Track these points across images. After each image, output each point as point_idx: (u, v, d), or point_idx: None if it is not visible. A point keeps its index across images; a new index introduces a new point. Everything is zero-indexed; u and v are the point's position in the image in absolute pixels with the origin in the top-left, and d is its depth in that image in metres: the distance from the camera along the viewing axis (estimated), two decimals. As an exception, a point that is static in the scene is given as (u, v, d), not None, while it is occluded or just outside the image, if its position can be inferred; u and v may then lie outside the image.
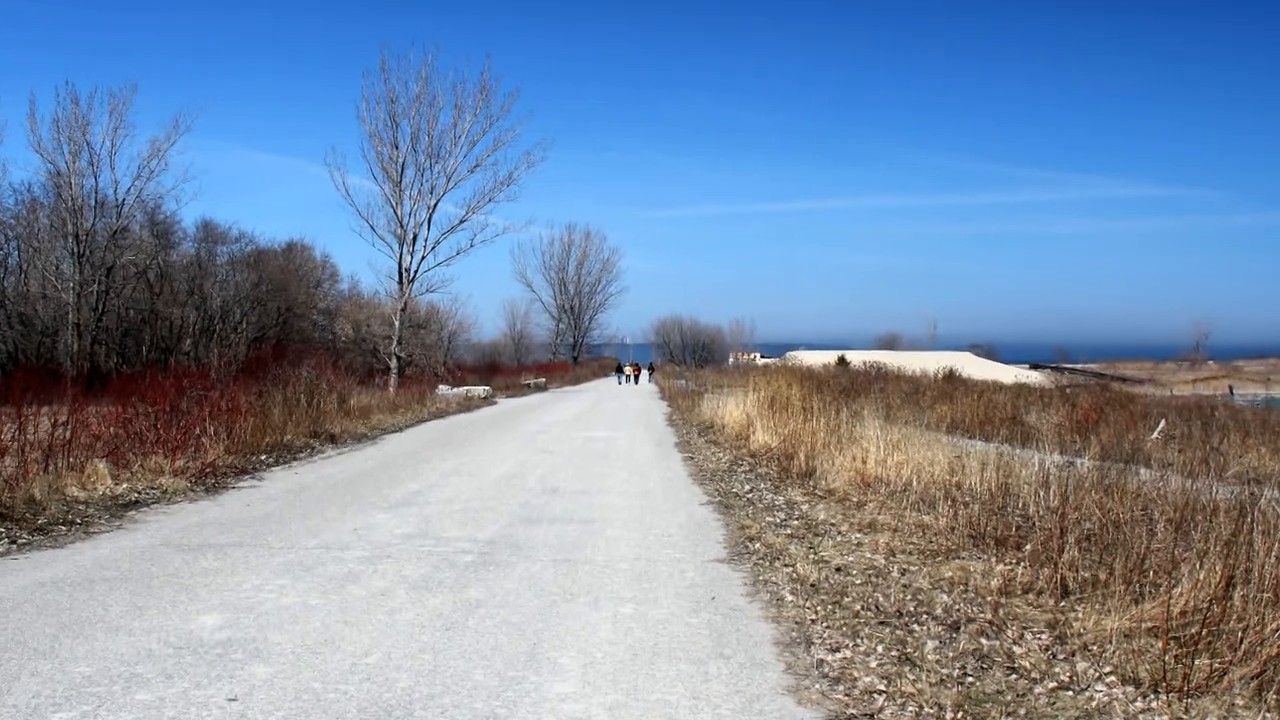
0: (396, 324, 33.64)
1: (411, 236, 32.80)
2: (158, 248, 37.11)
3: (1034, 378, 59.41)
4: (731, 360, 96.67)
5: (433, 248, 33.28)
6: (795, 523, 8.99)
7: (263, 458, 13.49)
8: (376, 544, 7.96)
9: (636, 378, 64.27)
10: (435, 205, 32.97)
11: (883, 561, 7.18)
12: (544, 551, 7.77)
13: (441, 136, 32.87)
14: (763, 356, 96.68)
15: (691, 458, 15.12)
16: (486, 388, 35.57)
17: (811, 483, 11.19)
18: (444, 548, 7.85)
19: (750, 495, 10.83)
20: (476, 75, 34.15)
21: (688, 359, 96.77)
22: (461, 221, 33.64)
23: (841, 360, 63.00)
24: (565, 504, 10.26)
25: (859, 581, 6.63)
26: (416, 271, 33.15)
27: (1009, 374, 63.60)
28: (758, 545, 8.00)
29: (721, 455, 15.03)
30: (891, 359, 61.18)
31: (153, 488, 10.34)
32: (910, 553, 7.43)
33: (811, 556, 7.41)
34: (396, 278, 33.36)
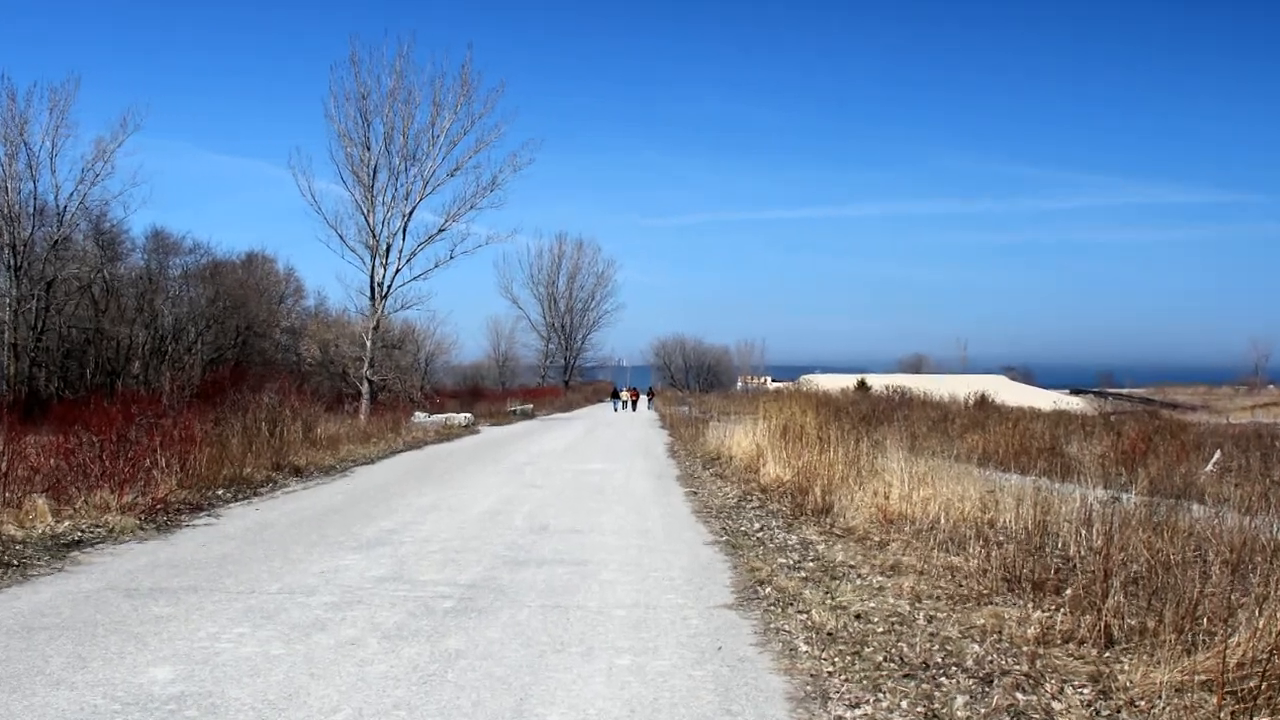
0: (368, 344, 33.74)
1: (385, 247, 32.96)
2: (103, 259, 37.25)
3: (1075, 404, 59.51)
4: (740, 384, 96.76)
5: (408, 260, 33.45)
6: (810, 564, 9.00)
7: (220, 492, 13.50)
8: (346, 588, 7.96)
9: (635, 404, 64.16)
10: (411, 213, 33.16)
11: (907, 607, 7.19)
12: (531, 596, 7.77)
13: (418, 136, 33.13)
14: (774, 380, 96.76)
15: (695, 492, 15.13)
16: (468, 415, 35.63)
17: (828, 520, 11.20)
18: (420, 592, 7.85)
19: (760, 534, 10.84)
20: (457, 69, 34.59)
21: (691, 383, 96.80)
22: (440, 230, 33.84)
23: (862, 384, 63.14)
24: (555, 544, 10.26)
25: (881, 629, 6.63)
26: (390, 286, 33.31)
27: (1047, 399, 63.66)
28: (769, 589, 8.00)
29: (728, 490, 15.04)
30: (917, 383, 61.26)
31: (98, 525, 10.34)
32: (938, 598, 7.44)
33: (828, 602, 7.42)
34: (368, 293, 33.51)
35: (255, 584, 8.06)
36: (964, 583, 7.74)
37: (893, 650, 6.13)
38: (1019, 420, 26.78)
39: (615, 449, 25.44)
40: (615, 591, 7.99)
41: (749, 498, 13.93)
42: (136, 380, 35.68)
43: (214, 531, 10.78)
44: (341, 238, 32.64)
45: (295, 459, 17.40)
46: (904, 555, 8.93)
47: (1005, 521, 9.62)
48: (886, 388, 52.33)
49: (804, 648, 6.32)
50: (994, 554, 8.17)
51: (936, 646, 6.18)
